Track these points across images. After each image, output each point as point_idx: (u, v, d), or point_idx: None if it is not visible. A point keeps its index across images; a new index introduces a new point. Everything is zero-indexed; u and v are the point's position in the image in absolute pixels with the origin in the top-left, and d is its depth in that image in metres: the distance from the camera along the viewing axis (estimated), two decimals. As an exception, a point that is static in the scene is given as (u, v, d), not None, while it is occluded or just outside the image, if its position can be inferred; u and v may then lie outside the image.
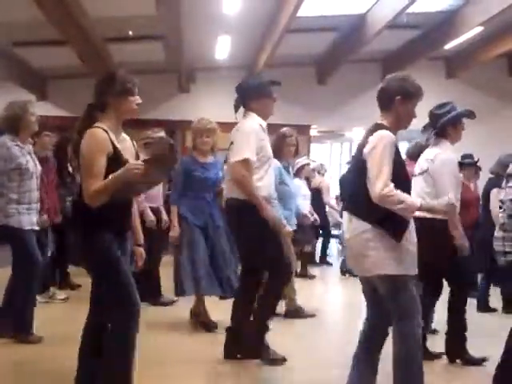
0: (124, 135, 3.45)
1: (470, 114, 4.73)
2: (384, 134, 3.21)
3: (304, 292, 7.05)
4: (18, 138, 5.01)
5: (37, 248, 5.06)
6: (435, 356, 4.68)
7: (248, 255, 4.55)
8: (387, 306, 3.28)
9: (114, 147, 3.23)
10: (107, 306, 3.26)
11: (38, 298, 5.75)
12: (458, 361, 4.67)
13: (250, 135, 4.38)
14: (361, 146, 3.28)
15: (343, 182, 3.44)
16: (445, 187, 4.36)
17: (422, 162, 4.66)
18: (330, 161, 17.44)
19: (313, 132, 15.14)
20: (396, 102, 3.35)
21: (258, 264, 4.53)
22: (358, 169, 3.22)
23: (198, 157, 5.61)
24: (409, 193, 3.31)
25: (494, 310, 6.94)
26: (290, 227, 5.99)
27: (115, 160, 3.18)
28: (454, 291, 4.69)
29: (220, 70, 13.83)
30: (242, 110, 4.63)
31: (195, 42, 11.72)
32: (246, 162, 4.30)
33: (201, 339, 5.31)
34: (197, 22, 10.68)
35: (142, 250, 3.58)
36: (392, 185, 3.10)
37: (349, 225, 3.29)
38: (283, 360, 4.52)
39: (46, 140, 6.62)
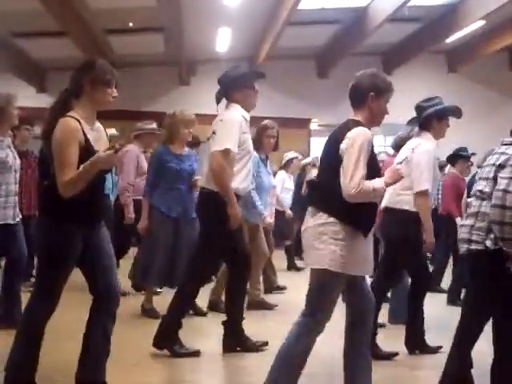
0: (98, 124, 3.42)
1: (457, 112, 4.69)
2: (362, 131, 3.21)
3: (293, 283, 7.21)
4: None
5: (11, 241, 5.00)
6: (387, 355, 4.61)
7: (212, 247, 4.49)
8: (309, 297, 3.24)
9: (86, 137, 3.21)
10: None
11: (22, 287, 5.76)
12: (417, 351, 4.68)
13: (233, 126, 4.34)
14: (336, 141, 3.26)
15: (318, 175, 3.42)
16: (421, 177, 4.38)
17: (402, 152, 4.67)
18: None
19: (313, 126, 15.13)
20: (369, 99, 3.33)
21: (221, 256, 4.62)
22: (334, 164, 3.21)
23: (172, 148, 5.52)
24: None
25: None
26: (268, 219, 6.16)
27: (86, 150, 3.16)
28: (415, 282, 4.74)
29: (220, 62, 13.78)
30: (224, 101, 4.58)
31: (196, 34, 11.68)
32: (226, 153, 4.26)
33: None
34: (197, 14, 10.65)
35: None
36: (361, 185, 3.10)
37: (310, 217, 3.27)
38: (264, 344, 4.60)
39: (26, 134, 6.59)
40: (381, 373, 3.68)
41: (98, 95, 3.29)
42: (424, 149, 4.47)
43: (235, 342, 4.57)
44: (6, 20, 10.21)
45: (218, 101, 4.55)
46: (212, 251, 4.45)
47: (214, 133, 4.41)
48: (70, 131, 3.14)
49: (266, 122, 6.11)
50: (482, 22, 11.55)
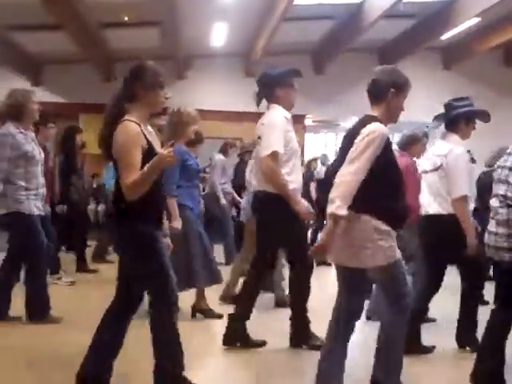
0: (149, 127, 3.46)
1: (485, 116, 4.67)
2: (377, 127, 3.22)
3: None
4: (21, 126, 5.07)
5: (43, 233, 5.17)
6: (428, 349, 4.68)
7: (272, 246, 4.60)
8: (385, 293, 3.35)
9: (147, 140, 3.26)
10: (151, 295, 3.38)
11: (48, 278, 5.87)
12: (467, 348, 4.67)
13: (276, 128, 4.38)
14: (352, 137, 3.28)
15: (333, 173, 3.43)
16: (457, 182, 4.37)
17: (433, 158, 4.60)
18: (324, 151, 17.42)
19: (308, 121, 15.14)
20: (389, 95, 3.35)
21: (282, 254, 4.66)
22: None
23: (184, 146, 5.53)
24: (401, 184, 3.36)
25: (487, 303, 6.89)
26: None
27: (149, 153, 3.20)
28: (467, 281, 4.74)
29: (216, 57, 13.80)
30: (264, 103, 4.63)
31: (191, 29, 11.67)
32: (274, 155, 4.32)
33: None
34: (193, 9, 10.63)
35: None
36: (356, 178, 3.12)
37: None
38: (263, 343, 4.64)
39: (51, 132, 6.67)
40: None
41: (152, 98, 3.32)
42: (457, 154, 4.45)
43: (237, 337, 4.59)
44: (1, 13, 10.18)
45: (259, 101, 4.59)
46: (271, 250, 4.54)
47: (259, 137, 4.47)
48: (133, 135, 3.17)
49: None
50: (477, 19, 11.58)
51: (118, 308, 3.45)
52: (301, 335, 4.59)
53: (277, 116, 4.44)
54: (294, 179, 4.41)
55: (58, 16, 9.87)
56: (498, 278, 3.75)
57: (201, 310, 5.57)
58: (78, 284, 7.13)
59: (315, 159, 11.24)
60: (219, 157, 9.08)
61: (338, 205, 3.06)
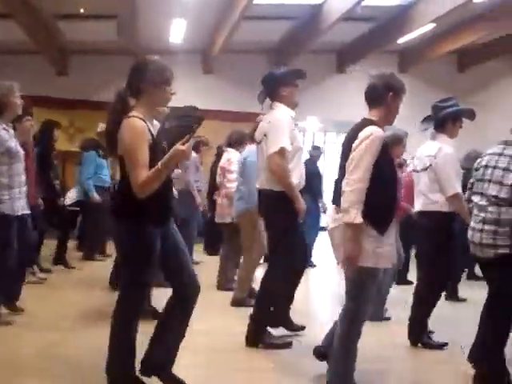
0: (155, 122, 3.40)
1: (471, 114, 4.78)
2: (373, 130, 3.31)
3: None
4: (2, 121, 4.87)
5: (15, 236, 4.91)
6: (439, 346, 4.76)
7: (276, 243, 4.67)
8: (347, 290, 3.42)
9: (152, 135, 3.20)
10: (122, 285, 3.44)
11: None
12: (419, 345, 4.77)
13: (282, 125, 4.46)
14: (350, 141, 3.36)
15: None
16: (449, 181, 4.46)
17: (422, 158, 4.71)
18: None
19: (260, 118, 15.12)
20: (388, 98, 3.46)
21: (278, 252, 4.63)
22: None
23: None
24: (394, 186, 3.45)
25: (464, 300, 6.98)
26: None
27: (154, 148, 3.15)
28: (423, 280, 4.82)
29: (175, 53, 13.67)
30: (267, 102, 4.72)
31: (149, 24, 11.54)
32: (282, 152, 4.39)
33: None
34: (151, 4, 10.51)
35: None
36: (363, 185, 3.20)
37: (334, 215, 3.40)
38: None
39: (28, 125, 6.49)
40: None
41: (157, 95, 3.28)
42: (445, 153, 4.53)
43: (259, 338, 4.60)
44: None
45: (262, 100, 4.69)
46: (285, 248, 4.54)
47: (265, 135, 4.52)
48: (140, 132, 3.11)
49: (259, 118, 6.41)
50: (432, 25, 11.78)
51: (176, 299, 3.42)
52: (258, 333, 4.58)
53: (282, 114, 4.53)
54: (296, 175, 4.51)
55: (7, 3, 9.57)
56: (483, 272, 3.85)
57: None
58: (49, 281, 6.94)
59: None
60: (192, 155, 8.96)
61: (353, 214, 3.17)
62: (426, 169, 4.62)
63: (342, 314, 3.44)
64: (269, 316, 4.62)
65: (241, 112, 12.75)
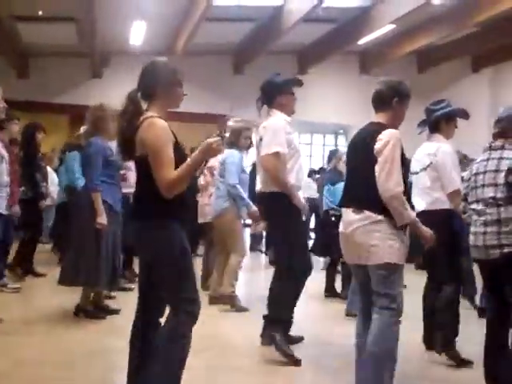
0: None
1: (464, 113, 4.87)
2: (394, 133, 3.44)
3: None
4: None
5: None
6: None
7: (280, 243, 4.73)
8: (376, 292, 3.46)
9: (175, 136, 3.13)
10: (173, 306, 3.08)
11: None
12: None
13: (278, 130, 4.59)
14: (368, 143, 3.44)
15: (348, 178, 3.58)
16: (449, 178, 4.54)
17: (422, 158, 4.77)
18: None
19: (230, 122, 15.12)
20: (394, 104, 3.58)
21: (284, 252, 4.64)
22: (368, 165, 3.40)
23: (106, 141, 5.42)
24: (406, 186, 3.54)
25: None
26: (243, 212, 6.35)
27: (177, 149, 3.09)
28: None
29: (135, 55, 13.57)
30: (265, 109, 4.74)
31: (109, 27, 11.43)
32: (276, 155, 4.52)
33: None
34: (110, 6, 10.42)
35: None
36: (402, 186, 3.36)
37: (353, 217, 3.45)
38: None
39: (16, 128, 6.32)
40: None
41: (170, 96, 3.21)
42: (444, 151, 4.60)
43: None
44: None
45: (260, 107, 4.76)
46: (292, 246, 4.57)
47: (260, 139, 4.65)
48: (165, 131, 3.06)
49: (241, 124, 6.47)
50: (392, 26, 11.95)
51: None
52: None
53: (278, 120, 4.65)
54: (293, 177, 4.61)
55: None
56: (487, 276, 3.88)
57: (85, 310, 5.42)
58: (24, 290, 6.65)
59: None
60: None
61: (407, 213, 3.35)
62: (425, 168, 4.68)
63: (379, 314, 3.45)
64: (288, 318, 4.66)
65: (203, 113, 12.73)
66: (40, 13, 10.62)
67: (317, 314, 4.83)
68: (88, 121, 5.52)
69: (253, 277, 8.61)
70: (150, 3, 10.34)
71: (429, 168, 4.66)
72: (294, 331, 4.78)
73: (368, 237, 3.38)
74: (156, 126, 3.05)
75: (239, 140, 6.31)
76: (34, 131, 7.28)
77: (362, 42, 12.98)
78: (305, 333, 4.89)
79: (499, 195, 3.66)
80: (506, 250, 3.63)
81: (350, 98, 15.13)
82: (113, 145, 5.60)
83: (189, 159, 3.01)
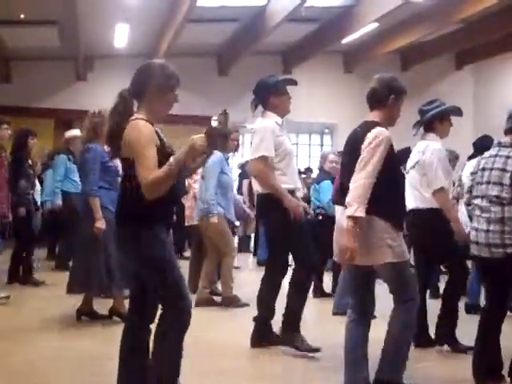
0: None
1: (457, 111, 4.88)
2: (380, 132, 3.42)
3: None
4: None
5: None
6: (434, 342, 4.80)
7: (275, 245, 4.76)
8: (389, 288, 3.52)
9: (160, 138, 3.12)
10: (163, 304, 3.09)
11: None
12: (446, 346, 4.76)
13: (266, 134, 4.58)
14: (357, 142, 3.45)
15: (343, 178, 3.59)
16: (435, 175, 4.55)
17: (412, 156, 4.79)
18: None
19: (214, 123, 15.08)
20: (390, 101, 3.57)
21: (285, 254, 4.73)
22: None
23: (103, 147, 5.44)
24: (401, 185, 3.63)
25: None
26: (229, 215, 6.38)
27: (162, 151, 3.06)
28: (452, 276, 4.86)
29: (119, 58, 13.51)
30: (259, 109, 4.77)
31: (92, 30, 11.37)
32: (262, 159, 4.53)
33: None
34: (92, 9, 10.37)
35: None
36: (369, 180, 3.32)
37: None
38: (316, 350, 4.55)
39: (6, 134, 6.25)
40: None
41: (162, 100, 3.18)
42: (433, 148, 4.61)
43: (263, 337, 4.68)
44: None
45: (254, 109, 4.76)
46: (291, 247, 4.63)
47: (251, 143, 4.71)
48: (148, 133, 3.02)
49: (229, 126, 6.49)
50: (375, 25, 11.98)
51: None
52: (287, 335, 4.62)
53: (268, 123, 4.66)
54: (287, 180, 4.61)
55: None
56: (486, 274, 3.88)
57: (86, 313, 5.49)
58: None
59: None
60: None
61: (356, 207, 3.27)
62: (414, 166, 4.69)
63: (396, 307, 3.51)
64: (297, 318, 4.65)
65: (187, 115, 12.68)
66: (22, 16, 10.54)
67: (305, 313, 4.82)
68: (86, 127, 5.51)
69: (241, 278, 8.59)
70: (132, 5, 10.30)
71: (417, 165, 4.67)
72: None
73: (365, 237, 3.38)
74: (138, 127, 3.03)
75: (225, 141, 6.31)
76: (26, 137, 7.21)
77: (345, 40, 13.01)
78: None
79: (504, 195, 3.67)
80: (509, 250, 3.64)
81: (334, 97, 15.16)
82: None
83: (171, 159, 2.94)
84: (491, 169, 3.77)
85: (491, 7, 10.73)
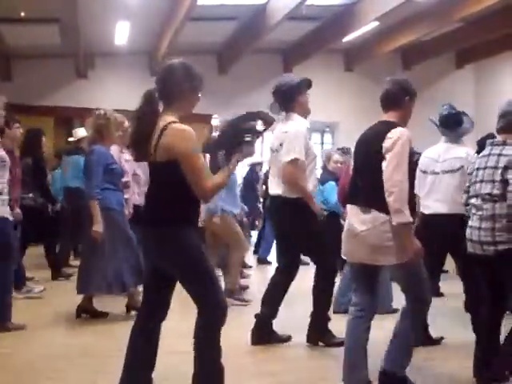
0: None
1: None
2: (403, 131, 3.48)
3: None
4: None
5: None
6: (436, 341, 4.84)
7: (298, 248, 4.80)
8: (405, 289, 3.57)
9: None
10: (200, 301, 3.12)
11: (15, 294, 5.69)
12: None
13: (298, 136, 4.60)
14: (377, 142, 3.47)
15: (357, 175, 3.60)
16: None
17: (449, 160, 4.68)
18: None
19: (214, 121, 15.08)
20: (406, 102, 3.65)
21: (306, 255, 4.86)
22: (377, 164, 3.43)
23: (108, 148, 5.50)
24: (412, 185, 3.71)
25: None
26: (235, 210, 6.42)
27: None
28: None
29: (120, 55, 13.52)
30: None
31: (93, 27, 11.37)
32: (294, 162, 4.54)
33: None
34: (94, 6, 10.36)
35: None
36: (407, 183, 3.39)
37: (362, 217, 3.48)
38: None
39: (18, 134, 6.28)
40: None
41: (193, 100, 3.27)
42: (473, 157, 4.54)
43: (266, 334, 4.71)
44: None
45: (278, 111, 4.74)
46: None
47: (280, 145, 4.67)
48: (194, 137, 3.10)
49: None
50: (376, 23, 11.98)
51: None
52: (319, 332, 4.70)
53: (299, 125, 4.68)
54: (311, 183, 4.71)
55: None
56: (482, 272, 3.89)
57: (86, 310, 5.53)
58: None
59: (259, 163, 11.37)
60: None
61: (408, 214, 3.36)
62: (454, 171, 4.63)
63: (407, 306, 3.57)
64: (325, 320, 4.73)
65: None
66: (22, 14, 10.53)
67: (305, 312, 4.83)
68: (91, 128, 5.55)
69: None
70: (133, 3, 10.29)
71: (460, 171, 4.60)
72: (281, 330, 4.80)
73: (380, 238, 3.42)
74: (186, 133, 3.08)
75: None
76: (40, 137, 7.28)
77: (346, 39, 13.00)
78: (293, 331, 4.90)
79: (495, 191, 3.67)
80: (500, 247, 3.64)
81: (335, 95, 15.15)
82: (114, 152, 5.66)
83: (227, 166, 3.19)
84: (484, 168, 3.78)
85: (492, 6, 10.73)
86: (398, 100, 3.64)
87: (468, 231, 3.83)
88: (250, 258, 10.55)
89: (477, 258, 3.83)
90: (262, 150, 10.96)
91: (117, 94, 13.11)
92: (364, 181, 3.54)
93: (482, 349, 3.82)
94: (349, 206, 3.63)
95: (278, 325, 4.82)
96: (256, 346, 4.64)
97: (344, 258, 3.72)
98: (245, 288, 6.83)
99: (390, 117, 3.64)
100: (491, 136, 6.11)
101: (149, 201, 3.22)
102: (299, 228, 4.64)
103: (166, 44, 12.20)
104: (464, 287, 4.61)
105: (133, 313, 5.37)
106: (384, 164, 3.38)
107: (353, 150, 3.94)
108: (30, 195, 6.88)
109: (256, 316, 4.76)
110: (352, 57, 15.17)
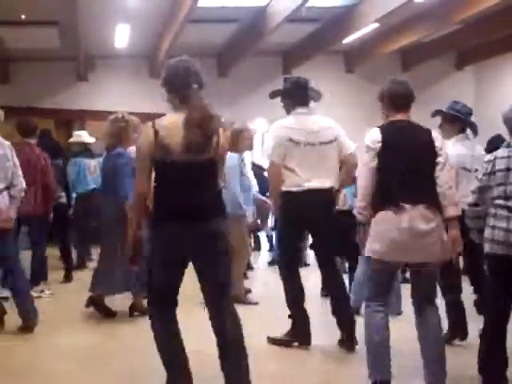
0: None
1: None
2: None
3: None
4: None
5: None
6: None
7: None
8: (433, 287, 3.75)
9: None
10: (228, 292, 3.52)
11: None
12: None
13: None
14: (430, 140, 3.66)
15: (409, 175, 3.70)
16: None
17: (478, 158, 4.79)
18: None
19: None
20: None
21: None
22: (433, 161, 3.64)
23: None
24: None
25: None
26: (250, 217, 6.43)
27: None
28: None
29: (120, 58, 13.52)
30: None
31: (93, 30, 11.37)
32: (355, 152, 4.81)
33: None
34: (93, 9, 10.36)
35: None
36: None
37: (426, 215, 3.57)
38: None
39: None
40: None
41: (202, 100, 3.55)
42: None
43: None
44: None
45: (308, 102, 4.90)
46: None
47: (335, 139, 4.76)
48: None
49: (240, 125, 6.52)
50: (376, 25, 11.97)
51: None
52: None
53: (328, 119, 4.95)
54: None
55: None
56: (502, 271, 3.83)
57: (95, 303, 5.55)
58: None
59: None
60: None
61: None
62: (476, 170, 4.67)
63: (435, 307, 3.70)
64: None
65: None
66: (23, 17, 10.54)
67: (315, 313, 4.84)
68: (108, 132, 5.59)
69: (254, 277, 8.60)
70: (133, 6, 10.30)
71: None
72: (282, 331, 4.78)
73: (444, 234, 3.60)
74: (227, 134, 3.35)
75: (238, 142, 6.24)
76: (50, 136, 7.45)
77: (346, 41, 13.00)
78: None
79: None
80: None
81: (336, 96, 15.12)
82: (133, 154, 5.69)
83: None
84: (507, 169, 3.75)
85: (492, 7, 10.71)
86: (413, 101, 3.83)
87: (502, 234, 3.73)
88: (261, 260, 10.56)
89: (497, 259, 3.77)
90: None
91: (117, 97, 13.11)
92: (423, 179, 3.64)
93: (487, 346, 3.81)
94: (405, 206, 3.55)
95: (279, 325, 4.81)
96: (256, 346, 4.60)
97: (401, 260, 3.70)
98: (247, 291, 6.81)
99: (404, 116, 3.78)
100: (499, 137, 6.17)
101: (199, 195, 3.35)
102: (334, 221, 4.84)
103: (166, 46, 12.19)
104: (473, 286, 4.66)
105: (135, 313, 5.37)
106: (440, 167, 3.60)
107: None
108: (62, 194, 7.13)
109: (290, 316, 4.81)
110: (352, 58, 15.16)
